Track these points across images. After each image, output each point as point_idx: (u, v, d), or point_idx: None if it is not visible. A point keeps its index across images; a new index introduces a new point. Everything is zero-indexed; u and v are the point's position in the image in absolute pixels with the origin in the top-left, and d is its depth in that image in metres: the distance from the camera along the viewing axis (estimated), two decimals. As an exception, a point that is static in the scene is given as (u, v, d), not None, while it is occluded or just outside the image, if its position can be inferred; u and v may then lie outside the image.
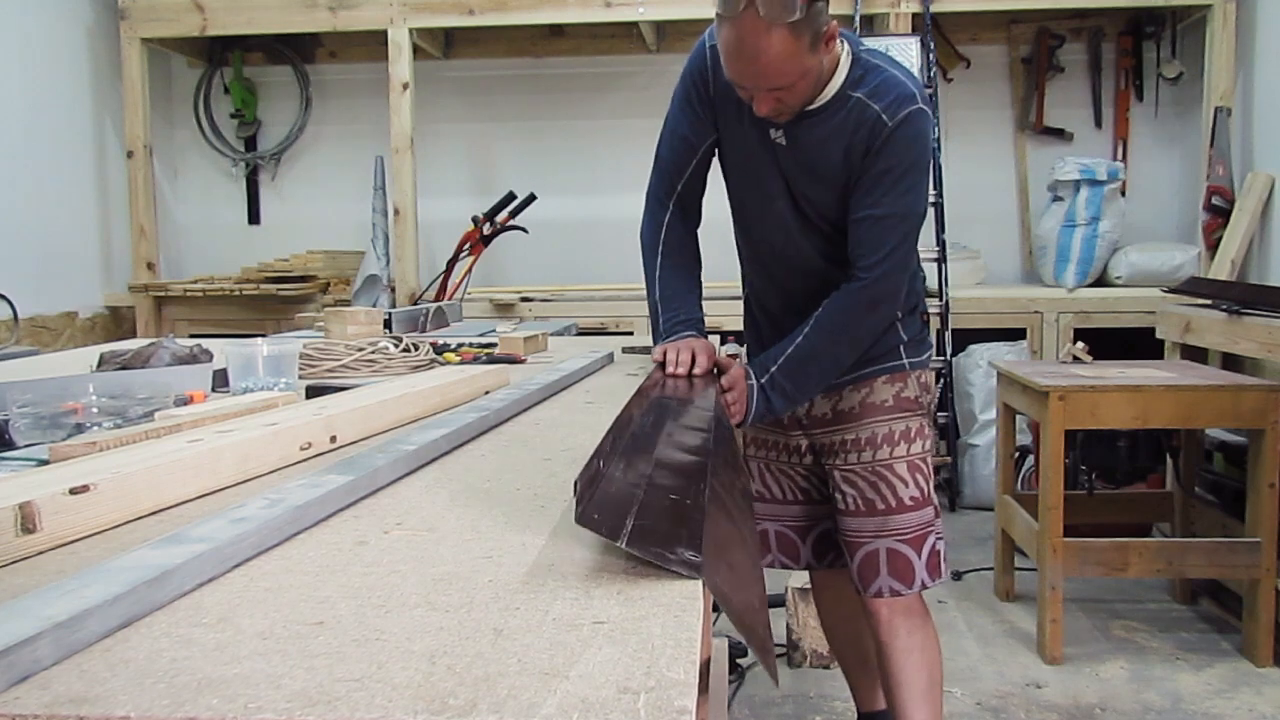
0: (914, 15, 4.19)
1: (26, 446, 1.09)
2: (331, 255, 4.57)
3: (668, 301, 1.70)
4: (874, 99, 1.53)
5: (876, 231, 1.56)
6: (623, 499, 0.73)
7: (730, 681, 2.54)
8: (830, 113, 1.56)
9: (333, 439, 1.08)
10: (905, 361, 1.76)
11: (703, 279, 1.79)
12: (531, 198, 4.22)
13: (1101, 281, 4.15)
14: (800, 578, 2.74)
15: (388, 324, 2.45)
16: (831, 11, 1.45)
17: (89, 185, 4.45)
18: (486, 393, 1.45)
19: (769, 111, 1.51)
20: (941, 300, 3.95)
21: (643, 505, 0.72)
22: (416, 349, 1.86)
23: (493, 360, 1.90)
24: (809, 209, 1.66)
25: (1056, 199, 4.23)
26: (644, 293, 1.78)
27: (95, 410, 1.19)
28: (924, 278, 1.90)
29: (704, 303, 1.77)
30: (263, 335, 2.62)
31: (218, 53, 4.91)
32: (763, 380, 1.63)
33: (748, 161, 1.69)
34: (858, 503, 1.77)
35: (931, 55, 4.18)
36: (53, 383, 1.27)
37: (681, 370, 1.55)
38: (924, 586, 1.78)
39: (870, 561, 1.78)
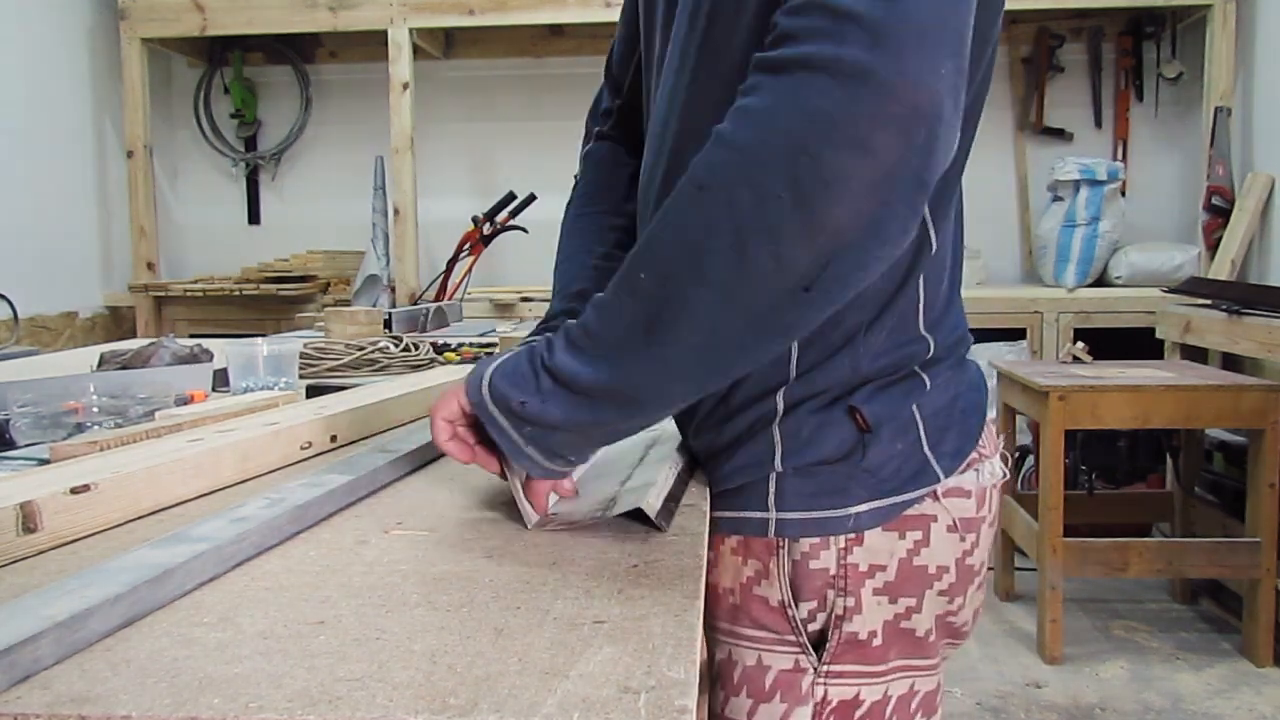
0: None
1: (27, 446, 1.09)
2: (331, 255, 4.57)
3: (558, 275, 1.06)
4: None
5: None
6: None
7: (730, 681, 2.53)
8: None
9: (333, 438, 1.08)
10: (772, 516, 0.82)
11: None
12: (531, 198, 4.22)
13: (1101, 281, 4.15)
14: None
15: (388, 324, 2.45)
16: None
17: (89, 185, 4.45)
18: (487, 392, 1.45)
19: None
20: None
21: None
22: (416, 349, 1.86)
23: (493, 360, 1.89)
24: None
25: (1056, 199, 4.23)
26: None
27: (96, 410, 1.19)
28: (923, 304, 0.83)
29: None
30: (263, 335, 2.62)
31: (218, 53, 4.91)
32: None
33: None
34: None
35: (931, 55, 4.18)
36: (53, 382, 1.27)
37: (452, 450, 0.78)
38: None
39: None
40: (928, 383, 0.81)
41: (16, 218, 3.96)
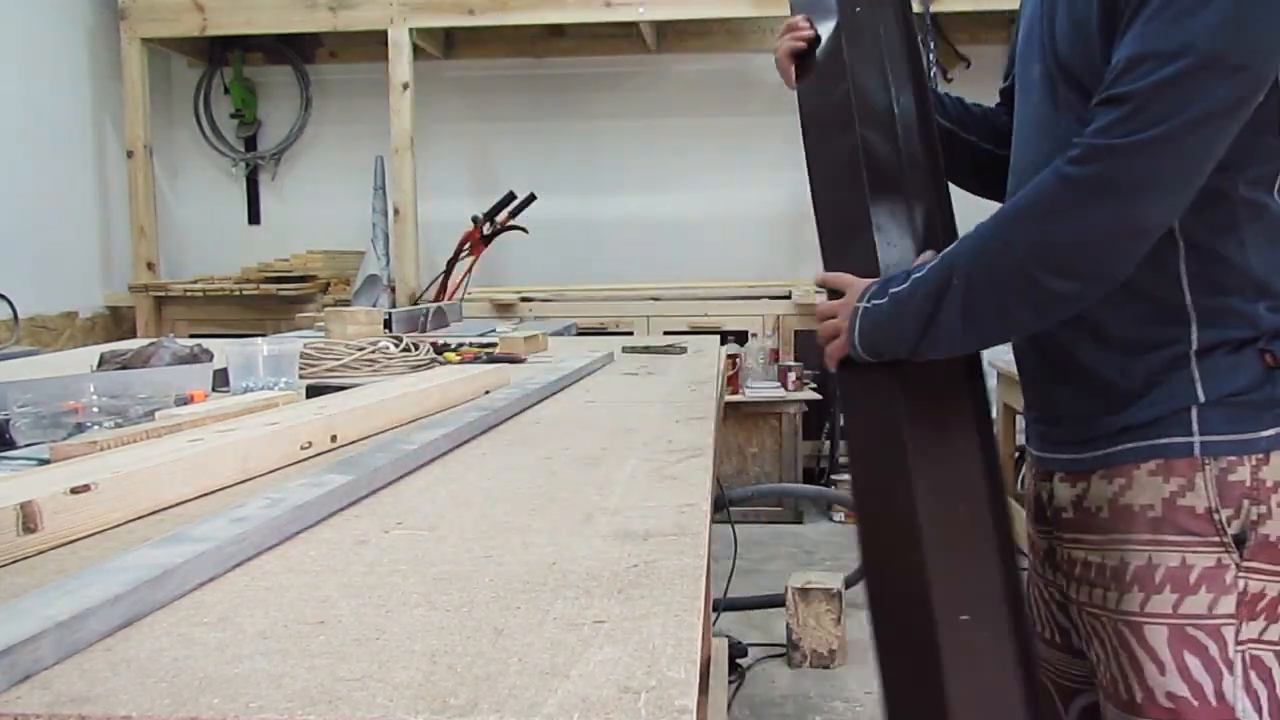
0: (914, 15, 4.19)
1: (27, 446, 1.09)
2: (331, 255, 4.58)
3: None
4: None
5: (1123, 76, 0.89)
6: None
7: (730, 681, 2.54)
8: None
9: (333, 438, 1.08)
10: (1197, 439, 0.98)
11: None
12: (531, 198, 4.22)
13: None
14: (800, 577, 2.74)
15: (388, 324, 2.45)
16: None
17: (89, 185, 4.45)
18: (487, 392, 1.45)
19: None
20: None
21: None
22: (416, 349, 1.86)
23: (493, 360, 1.90)
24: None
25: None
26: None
27: (96, 410, 1.19)
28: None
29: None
30: (263, 335, 2.62)
31: (218, 53, 4.91)
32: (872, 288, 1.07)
33: None
34: (1104, 675, 1.05)
35: (931, 55, 4.18)
36: (53, 382, 1.27)
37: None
38: None
39: None
40: (1247, 353, 0.99)
41: (16, 218, 3.96)
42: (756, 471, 4.19)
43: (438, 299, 4.17)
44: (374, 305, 4.18)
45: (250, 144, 5.03)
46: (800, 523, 4.08)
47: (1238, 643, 0.97)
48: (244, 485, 0.91)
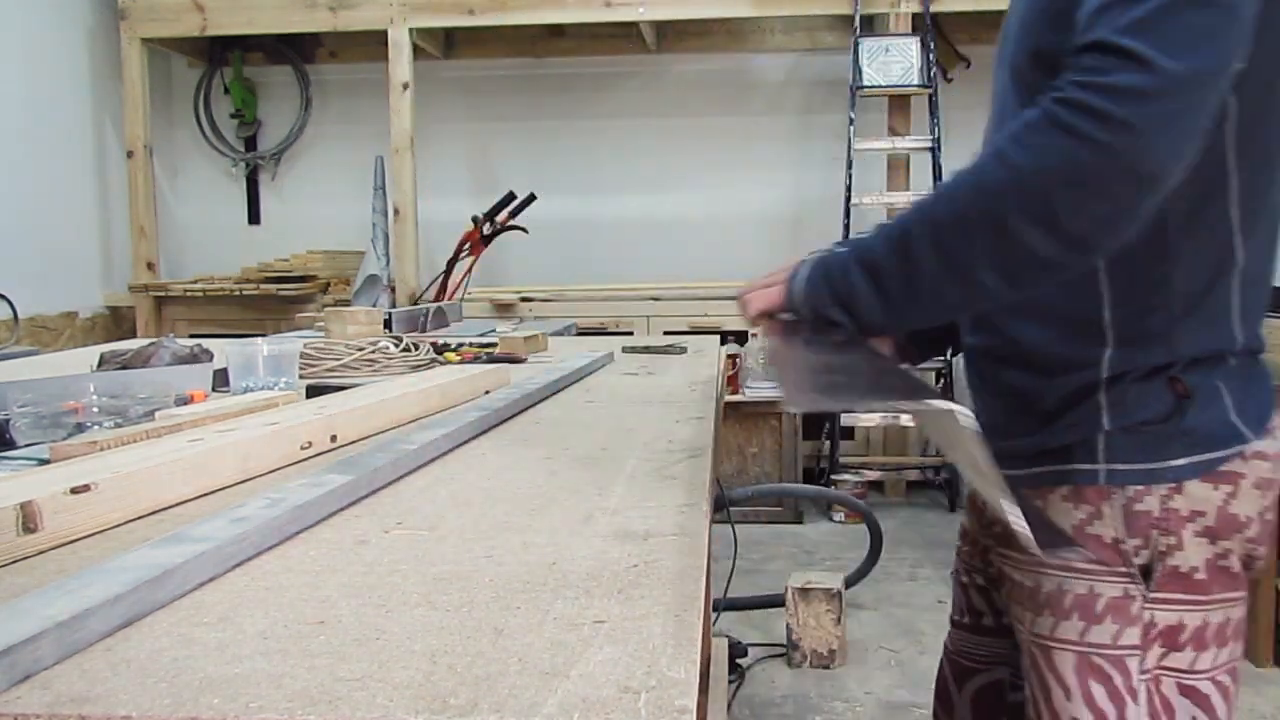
0: (914, 15, 4.19)
1: (27, 446, 1.09)
2: (331, 255, 4.58)
3: None
4: None
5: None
6: None
7: (730, 681, 2.54)
8: None
9: (333, 438, 1.08)
10: (1102, 467, 0.96)
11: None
12: (531, 198, 4.22)
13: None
14: (800, 577, 2.74)
15: (388, 324, 2.45)
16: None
17: (89, 185, 4.45)
18: (486, 392, 1.45)
19: None
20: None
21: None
22: (416, 349, 1.86)
23: (493, 360, 1.90)
24: None
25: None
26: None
27: (96, 410, 1.19)
28: (1233, 289, 0.95)
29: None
30: (263, 335, 2.62)
31: (218, 53, 4.91)
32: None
33: None
34: (1026, 690, 1.05)
35: (931, 55, 4.18)
36: (53, 382, 1.27)
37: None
38: None
39: None
40: (1232, 364, 0.95)
41: (17, 218, 3.96)
42: (756, 471, 4.20)
43: (438, 299, 4.17)
44: (374, 305, 4.18)
45: (250, 144, 5.03)
46: (800, 523, 4.08)
47: (1142, 672, 0.96)
48: (244, 485, 0.91)
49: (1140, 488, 0.94)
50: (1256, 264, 0.95)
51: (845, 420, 4.26)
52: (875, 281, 0.88)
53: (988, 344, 1.04)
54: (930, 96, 4.21)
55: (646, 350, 2.16)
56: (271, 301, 4.38)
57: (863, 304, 0.89)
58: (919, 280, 0.86)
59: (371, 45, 4.55)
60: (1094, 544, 0.96)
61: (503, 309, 4.18)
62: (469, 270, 4.24)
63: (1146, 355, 0.94)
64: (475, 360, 1.90)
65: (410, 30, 4.28)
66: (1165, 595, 0.95)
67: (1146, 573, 0.95)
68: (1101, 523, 0.96)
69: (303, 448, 1.02)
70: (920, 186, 4.32)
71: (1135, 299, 0.94)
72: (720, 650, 2.44)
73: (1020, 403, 1.01)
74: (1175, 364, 0.94)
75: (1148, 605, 0.95)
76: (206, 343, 1.69)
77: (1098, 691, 0.97)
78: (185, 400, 1.29)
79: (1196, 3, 0.75)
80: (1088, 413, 0.96)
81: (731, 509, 3.26)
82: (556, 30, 4.76)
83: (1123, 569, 0.95)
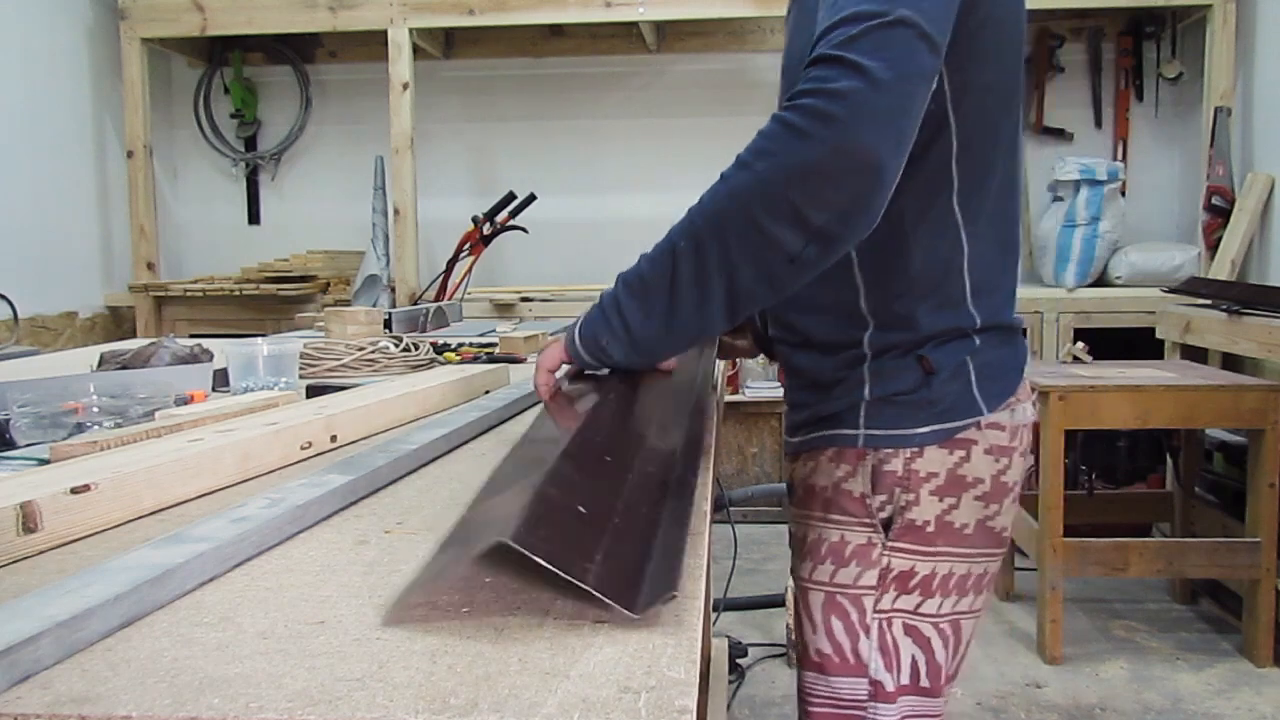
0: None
1: (27, 446, 1.09)
2: (331, 255, 4.57)
3: None
4: None
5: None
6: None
7: (730, 681, 2.54)
8: None
9: (333, 438, 1.08)
10: (861, 432, 1.08)
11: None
12: (531, 198, 4.22)
13: (1101, 281, 4.15)
14: (800, 577, 2.74)
15: (388, 324, 2.45)
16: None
17: (89, 185, 4.45)
18: (486, 392, 1.45)
19: None
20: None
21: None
22: (416, 349, 1.86)
23: (493, 360, 1.90)
24: None
25: (1056, 199, 4.23)
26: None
27: (96, 410, 1.19)
28: (964, 286, 1.07)
29: None
30: (263, 335, 2.62)
31: (218, 53, 4.91)
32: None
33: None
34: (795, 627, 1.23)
35: (931, 55, 4.17)
36: (53, 382, 1.27)
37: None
38: None
39: None
40: (977, 342, 1.08)
41: (16, 218, 3.96)
42: (756, 471, 4.19)
43: (438, 299, 4.17)
44: (374, 305, 4.18)
45: (250, 144, 5.03)
46: (800, 523, 4.08)
47: (875, 610, 1.09)
48: (244, 485, 0.91)
49: (889, 450, 1.07)
50: (985, 254, 1.07)
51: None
52: (643, 298, 0.95)
53: (783, 334, 1.20)
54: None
55: (646, 350, 2.16)
56: (271, 301, 4.38)
57: (633, 322, 0.96)
58: (682, 289, 0.93)
59: (371, 45, 4.55)
60: (846, 499, 1.10)
61: (503, 309, 4.17)
62: (469, 270, 4.24)
63: (899, 334, 1.08)
64: (475, 360, 1.90)
65: (410, 30, 4.28)
66: (901, 545, 1.08)
67: (888, 525, 1.08)
68: (854, 480, 1.10)
69: (303, 448, 1.02)
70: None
71: (883, 286, 1.07)
72: (720, 650, 2.44)
73: (807, 380, 1.16)
74: (925, 342, 1.07)
75: (885, 552, 1.09)
76: (206, 343, 1.69)
77: (837, 626, 1.11)
78: (185, 400, 1.29)
79: (896, 24, 0.85)
80: (854, 384, 1.10)
81: (731, 509, 3.26)
82: (556, 30, 4.76)
83: (868, 520, 1.09)
